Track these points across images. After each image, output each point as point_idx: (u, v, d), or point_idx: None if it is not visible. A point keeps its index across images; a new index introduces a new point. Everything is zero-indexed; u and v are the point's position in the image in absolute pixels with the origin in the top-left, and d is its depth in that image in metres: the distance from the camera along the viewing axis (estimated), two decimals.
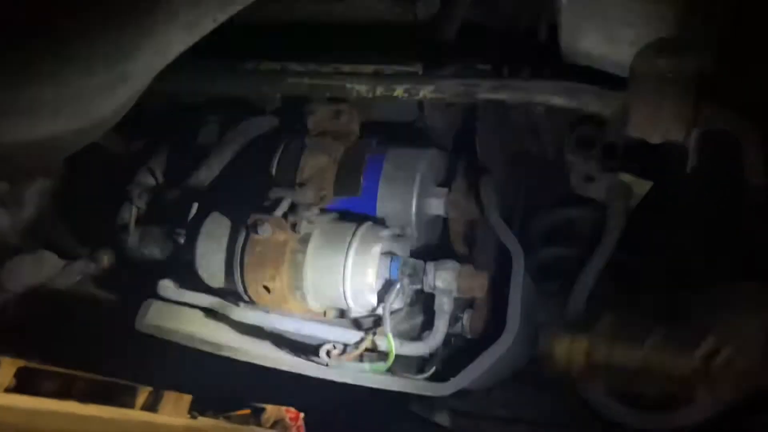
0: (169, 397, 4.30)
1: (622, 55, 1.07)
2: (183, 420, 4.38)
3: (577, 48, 1.11)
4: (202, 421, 4.62)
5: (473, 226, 1.33)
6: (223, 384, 1.63)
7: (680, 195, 1.28)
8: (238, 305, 1.25)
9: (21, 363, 3.49)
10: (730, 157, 1.13)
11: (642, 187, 1.27)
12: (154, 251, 1.34)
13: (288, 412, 5.06)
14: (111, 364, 1.67)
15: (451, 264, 1.19)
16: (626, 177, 1.25)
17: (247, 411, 4.98)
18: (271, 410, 5.05)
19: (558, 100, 1.10)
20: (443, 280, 1.17)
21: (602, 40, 1.08)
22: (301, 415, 4.58)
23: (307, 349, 1.21)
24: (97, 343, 1.51)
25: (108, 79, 0.88)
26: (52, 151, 1.00)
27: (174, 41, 0.88)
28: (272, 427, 5.07)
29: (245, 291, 1.20)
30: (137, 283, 1.33)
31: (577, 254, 1.43)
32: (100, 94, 0.90)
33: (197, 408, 4.68)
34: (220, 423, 4.78)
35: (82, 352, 1.60)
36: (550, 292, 1.41)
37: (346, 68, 1.25)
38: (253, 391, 1.71)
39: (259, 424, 5.06)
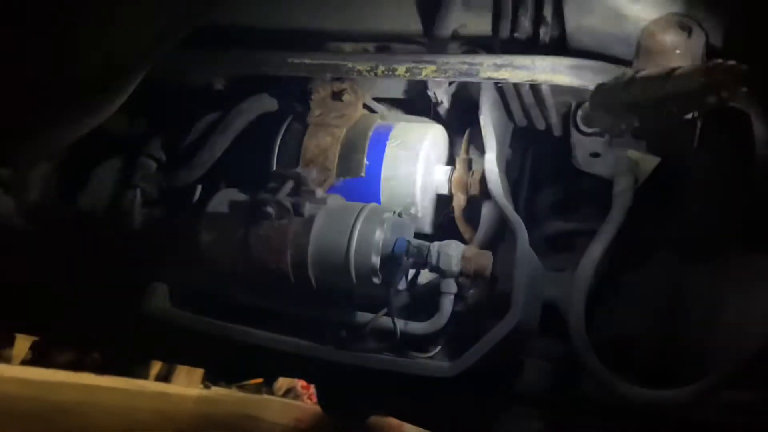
0: (183, 369, 4.40)
1: (629, 31, 1.04)
2: (196, 390, 4.48)
3: (583, 24, 1.08)
4: (215, 391, 4.72)
5: (478, 203, 1.32)
6: (231, 361, 1.65)
7: (687, 171, 1.26)
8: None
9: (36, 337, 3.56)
10: (739, 131, 1.11)
11: (649, 163, 1.25)
12: (159, 233, 1.35)
13: (300, 381, 5.15)
14: (117, 345, 1.68)
15: (455, 244, 1.19)
16: (633, 153, 1.24)
17: (259, 380, 5.08)
18: (284, 379, 5.14)
19: (562, 78, 1.08)
20: (447, 260, 1.17)
21: (608, 16, 1.05)
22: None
23: (313, 331, 1.22)
24: (104, 325, 1.52)
25: (107, 68, 0.87)
26: (57, 141, 1.00)
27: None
28: (284, 395, 5.18)
29: (250, 273, 1.20)
30: (141, 265, 1.33)
31: (583, 229, 1.42)
32: (101, 84, 0.90)
33: (210, 378, 4.78)
34: (233, 393, 4.89)
35: (90, 333, 1.61)
36: (557, 267, 1.41)
37: (348, 47, 1.23)
38: (261, 367, 1.73)
39: (271, 392, 5.17)
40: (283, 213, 1.17)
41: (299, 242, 1.16)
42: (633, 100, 1.07)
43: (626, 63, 1.06)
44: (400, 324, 1.17)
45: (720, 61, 0.98)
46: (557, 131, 1.33)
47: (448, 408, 1.47)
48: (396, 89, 1.38)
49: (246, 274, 1.20)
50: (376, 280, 1.17)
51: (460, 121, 1.37)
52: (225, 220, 1.23)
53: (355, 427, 3.95)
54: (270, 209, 1.16)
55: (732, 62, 0.98)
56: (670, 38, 1.03)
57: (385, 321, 1.19)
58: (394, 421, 5.25)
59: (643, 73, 1.10)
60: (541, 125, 1.33)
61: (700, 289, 1.34)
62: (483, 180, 1.27)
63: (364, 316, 1.21)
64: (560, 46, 1.13)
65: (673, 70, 1.04)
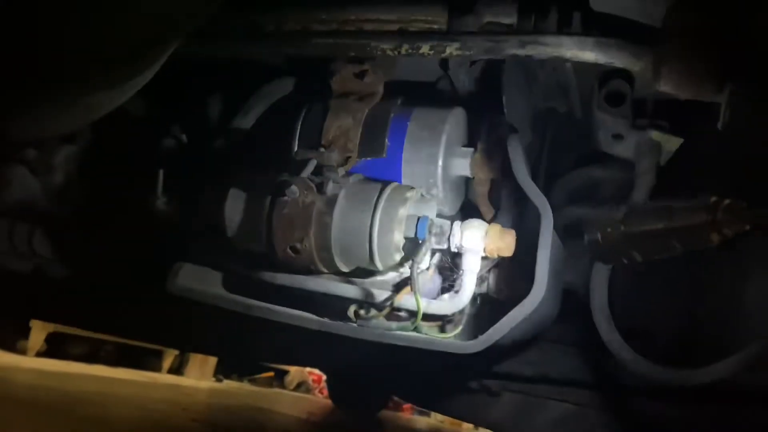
0: (195, 361, 4.43)
1: (656, 7, 1.04)
2: (208, 383, 4.51)
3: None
4: (227, 383, 4.74)
5: (498, 185, 1.32)
6: (251, 345, 1.65)
7: (712, 152, 1.26)
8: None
9: (51, 328, 3.60)
10: (765, 113, 1.11)
11: (672, 144, 1.24)
12: (182, 214, 1.35)
13: (311, 374, 5.17)
14: (140, 327, 1.69)
15: (478, 223, 1.19)
16: (656, 134, 1.23)
17: (271, 374, 5.10)
18: (295, 373, 5.17)
19: (588, 55, 1.08)
20: (470, 239, 1.17)
21: None
22: (324, 377, 4.68)
23: (335, 310, 1.23)
24: (127, 307, 1.53)
25: (132, 43, 0.88)
26: (80, 119, 1.01)
27: None
28: (295, 389, 5.20)
29: (273, 252, 1.21)
30: (166, 245, 1.34)
31: (603, 214, 1.42)
32: (124, 60, 0.90)
33: (222, 371, 4.80)
34: (245, 385, 4.91)
35: (112, 316, 1.62)
36: (577, 252, 1.40)
37: (370, 26, 1.23)
38: (281, 351, 1.73)
39: (282, 386, 5.19)
40: (307, 192, 1.17)
41: (323, 221, 1.17)
42: (632, 234, 1.12)
43: (652, 40, 1.06)
44: (423, 303, 1.17)
45: (719, 199, 1.03)
46: (579, 112, 1.33)
47: (464, 390, 1.47)
48: (418, 71, 1.38)
49: (271, 252, 1.20)
50: (398, 259, 1.17)
51: (482, 102, 1.37)
52: (248, 199, 1.24)
53: (365, 421, 3.96)
54: (294, 188, 1.16)
55: (731, 201, 1.02)
56: (696, 16, 1.02)
57: (408, 299, 1.19)
58: (404, 415, 5.26)
59: (640, 207, 1.14)
60: (562, 107, 1.33)
61: (721, 274, 1.34)
62: (505, 162, 1.27)
63: (386, 295, 1.21)
64: (585, 24, 1.13)
65: (671, 206, 1.09)
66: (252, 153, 1.38)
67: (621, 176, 1.38)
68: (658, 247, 1.12)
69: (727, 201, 1.03)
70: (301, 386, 5.12)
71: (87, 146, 1.48)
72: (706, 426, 1.33)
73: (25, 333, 3.57)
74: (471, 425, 5.50)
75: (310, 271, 1.22)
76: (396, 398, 4.25)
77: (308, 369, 5.04)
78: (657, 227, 1.09)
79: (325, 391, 4.74)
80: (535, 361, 1.48)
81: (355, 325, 1.19)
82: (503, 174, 1.29)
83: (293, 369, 5.08)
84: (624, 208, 1.18)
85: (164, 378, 4.13)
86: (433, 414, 5.49)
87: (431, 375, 1.45)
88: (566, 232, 1.43)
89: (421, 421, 5.29)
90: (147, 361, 4.22)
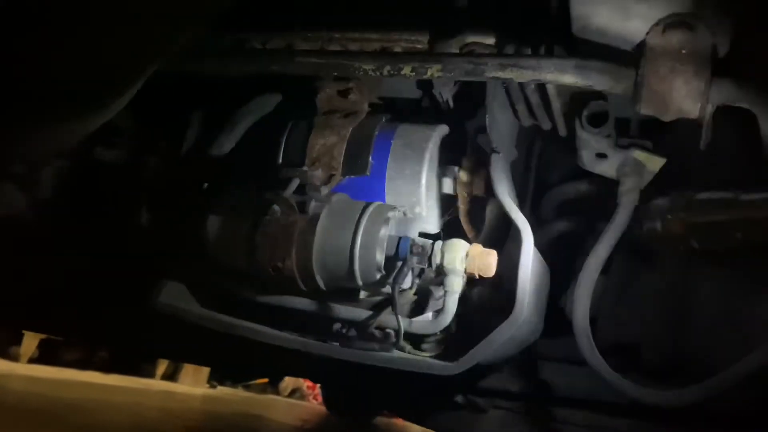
0: (189, 368, 4.41)
1: (636, 30, 1.04)
2: (202, 389, 4.50)
3: (589, 23, 1.08)
4: (221, 390, 4.73)
5: (482, 203, 1.32)
6: (237, 359, 1.65)
7: (694, 172, 1.26)
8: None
9: (44, 335, 3.58)
10: (746, 133, 1.11)
11: (655, 164, 1.24)
12: (166, 231, 1.36)
13: (305, 381, 5.15)
14: (125, 341, 1.69)
15: (460, 243, 1.19)
16: (639, 154, 1.23)
17: (265, 380, 5.09)
18: (289, 379, 5.15)
19: (568, 78, 1.08)
20: (452, 259, 1.17)
21: (615, 15, 1.05)
22: (318, 384, 4.66)
23: (316, 329, 1.23)
24: (112, 322, 1.53)
25: (118, 64, 0.88)
26: (70, 139, 1.01)
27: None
28: (290, 395, 5.19)
29: (256, 271, 1.21)
30: (149, 262, 1.34)
31: (588, 229, 1.42)
32: (111, 81, 0.91)
33: (216, 378, 4.79)
34: (239, 392, 4.90)
35: (97, 331, 1.62)
36: (561, 268, 1.40)
37: (353, 47, 1.24)
38: (267, 365, 1.73)
39: (277, 392, 5.18)
40: (289, 211, 1.17)
41: (304, 240, 1.17)
42: (694, 224, 1.09)
43: (633, 63, 1.06)
44: (405, 323, 1.17)
45: None
46: (562, 131, 1.33)
47: (451, 406, 1.47)
48: (401, 89, 1.38)
49: (252, 271, 1.20)
50: (380, 278, 1.17)
51: (466, 121, 1.37)
52: (231, 218, 1.24)
53: (360, 428, 3.96)
54: (276, 207, 1.17)
55: None
56: (677, 38, 1.03)
57: (389, 319, 1.20)
58: (399, 422, 5.25)
59: (704, 196, 1.11)
60: (546, 125, 1.33)
61: (705, 292, 1.34)
62: (488, 180, 1.27)
63: (368, 315, 1.21)
64: (566, 46, 1.13)
65: (738, 197, 1.05)
66: (236, 169, 1.38)
67: (606, 191, 1.38)
68: (718, 237, 1.09)
69: None
70: (295, 393, 5.11)
71: (74, 162, 1.48)
72: None
73: (18, 339, 3.56)
74: None
75: (293, 289, 1.22)
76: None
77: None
78: (722, 218, 1.07)
79: (320, 398, 4.73)
80: (521, 377, 1.48)
81: (337, 345, 1.19)
82: (487, 192, 1.29)
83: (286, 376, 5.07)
84: (685, 196, 1.15)
85: (158, 384, 4.13)
86: None
87: (416, 391, 1.45)
88: (554, 246, 1.43)
89: (416, 428, 5.27)
90: (141, 367, 4.21)
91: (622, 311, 1.41)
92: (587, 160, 1.29)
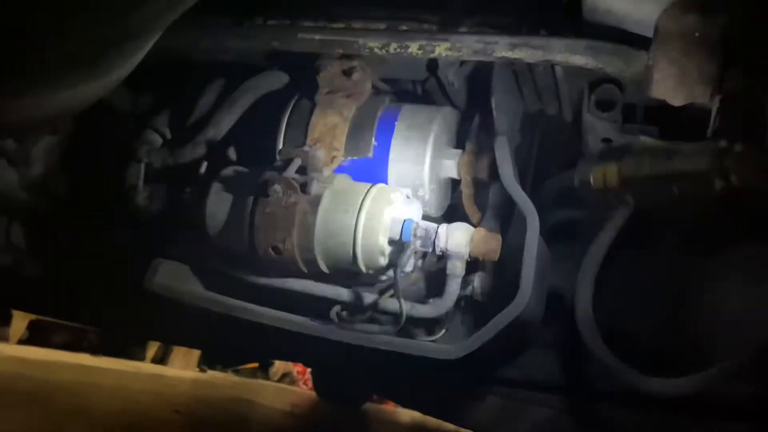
0: (179, 351, 4.39)
1: (647, 13, 1.02)
2: (192, 373, 4.48)
3: (600, 4, 1.06)
4: (211, 374, 4.72)
5: (486, 187, 1.30)
6: (232, 341, 1.64)
7: None
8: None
9: (33, 316, 3.55)
10: (754, 122, 1.10)
11: None
12: (163, 210, 1.33)
13: (296, 366, 5.15)
14: (119, 321, 1.67)
15: (464, 227, 1.17)
16: (645, 140, 1.22)
17: (255, 364, 5.08)
18: (279, 364, 5.15)
19: (578, 59, 1.06)
20: (455, 243, 1.16)
21: None
22: (309, 369, 4.66)
23: (317, 311, 1.21)
24: (107, 301, 1.51)
25: (113, 34, 0.85)
26: (61, 109, 0.98)
27: None
28: (280, 380, 5.18)
29: (255, 252, 1.19)
30: (146, 241, 1.32)
31: (590, 217, 1.41)
32: (106, 50, 0.88)
33: (206, 361, 4.77)
34: (229, 376, 4.89)
35: (92, 310, 1.59)
36: (563, 255, 1.39)
37: (358, 24, 1.21)
38: (262, 348, 1.72)
39: (267, 377, 5.17)
40: (290, 191, 1.15)
41: (306, 221, 1.15)
42: (629, 178, 1.05)
43: (644, 46, 1.04)
44: (406, 306, 1.16)
45: (730, 144, 0.96)
46: (568, 116, 1.31)
47: (450, 392, 1.46)
48: (407, 70, 1.36)
49: (253, 251, 1.18)
50: (383, 261, 1.16)
51: (471, 103, 1.35)
52: (231, 197, 1.22)
53: (349, 414, 3.96)
54: (277, 187, 1.14)
55: (743, 146, 0.95)
56: (690, 21, 1.01)
57: (391, 302, 1.18)
58: (388, 408, 5.27)
59: (638, 147, 1.07)
60: (552, 110, 1.32)
61: (704, 280, 1.34)
62: (492, 164, 1.25)
63: (369, 298, 1.19)
64: (577, 28, 1.11)
65: (675, 148, 1.02)
66: (236, 148, 1.36)
67: None
68: (655, 193, 1.04)
69: (738, 146, 0.95)
70: (285, 378, 5.10)
71: (68, 138, 1.45)
72: None
73: (7, 320, 3.53)
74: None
75: (293, 271, 1.20)
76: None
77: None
78: (657, 171, 1.02)
79: (310, 383, 4.73)
80: (520, 365, 1.47)
81: (337, 327, 1.17)
82: (491, 176, 1.27)
83: (277, 360, 5.06)
84: (619, 147, 1.11)
85: (148, 368, 4.10)
86: None
87: (413, 376, 1.44)
88: (553, 234, 1.42)
89: (405, 414, 5.29)
90: (130, 350, 4.19)
91: (622, 299, 1.41)
92: (592, 145, 1.28)
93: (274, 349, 1.70)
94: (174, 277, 1.29)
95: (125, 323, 1.70)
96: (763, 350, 1.12)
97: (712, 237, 1.31)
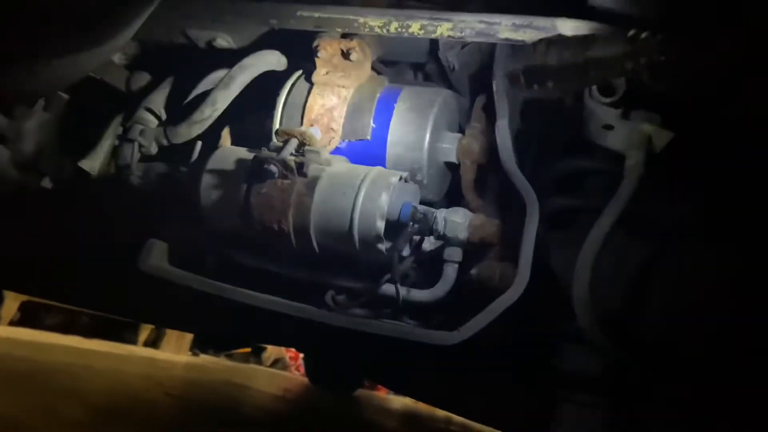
0: (171, 335, 4.38)
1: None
2: (184, 357, 4.47)
3: None
4: (204, 358, 4.71)
5: (484, 173, 1.28)
6: (225, 324, 1.62)
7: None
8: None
9: (25, 297, 3.53)
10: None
11: (663, 138, 1.21)
12: (157, 189, 1.31)
13: (288, 352, 5.15)
14: (112, 302, 1.65)
15: (462, 212, 1.16)
16: (647, 127, 1.20)
17: (247, 349, 5.08)
18: (272, 349, 5.15)
19: None
20: (454, 227, 1.14)
21: None
22: (301, 354, 4.67)
23: (312, 295, 1.19)
24: (98, 282, 1.49)
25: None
26: (57, 78, 0.96)
27: None
28: (272, 365, 5.18)
29: (249, 233, 1.17)
30: (140, 221, 1.29)
31: (589, 205, 1.39)
32: (102, 18, 0.86)
33: (199, 346, 4.77)
34: (221, 361, 4.89)
35: (85, 290, 1.57)
36: (562, 242, 1.38)
37: (358, 2, 1.18)
38: (256, 332, 1.70)
39: (259, 362, 5.18)
40: (287, 172, 1.13)
41: (302, 202, 1.13)
42: (551, 66, 1.09)
43: (651, 26, 1.02)
44: (402, 291, 1.14)
45: (638, 31, 1.01)
46: (569, 101, 1.29)
47: (447, 378, 1.45)
48: (407, 52, 1.33)
49: (246, 233, 1.16)
50: (380, 245, 1.14)
51: (471, 87, 1.33)
52: (226, 176, 1.19)
53: (341, 400, 3.97)
54: (273, 167, 1.12)
55: (648, 33, 1.01)
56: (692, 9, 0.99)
57: (388, 287, 1.16)
58: (380, 395, 5.28)
59: (563, 35, 1.11)
60: (553, 94, 1.29)
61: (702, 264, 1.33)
62: (492, 149, 1.24)
63: (365, 283, 1.18)
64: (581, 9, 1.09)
65: (592, 36, 1.07)
66: (232, 128, 1.33)
67: (608, 168, 1.35)
68: (574, 78, 1.11)
69: (645, 32, 1.03)
70: (277, 363, 5.10)
71: (61, 115, 1.42)
72: None
73: None
74: None
75: (287, 254, 1.18)
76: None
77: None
78: (577, 59, 1.08)
79: (302, 369, 4.73)
80: (514, 352, 1.46)
81: (332, 312, 1.16)
82: (490, 162, 1.25)
83: (270, 346, 5.06)
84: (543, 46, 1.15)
85: (140, 351, 4.09)
86: None
87: (409, 362, 1.43)
88: (551, 221, 1.40)
89: (397, 401, 5.31)
90: (123, 333, 4.17)
91: (618, 284, 1.40)
92: (593, 131, 1.26)
93: (270, 333, 1.68)
94: (167, 259, 1.26)
95: (118, 304, 1.68)
96: None
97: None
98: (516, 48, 1.15)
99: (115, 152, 1.37)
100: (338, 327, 1.16)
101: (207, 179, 1.20)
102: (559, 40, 1.11)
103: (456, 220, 1.14)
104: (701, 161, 1.25)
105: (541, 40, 1.11)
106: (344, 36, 1.24)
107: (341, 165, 1.18)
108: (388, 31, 1.11)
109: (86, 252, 1.43)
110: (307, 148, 1.17)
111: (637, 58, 1.03)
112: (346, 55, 1.25)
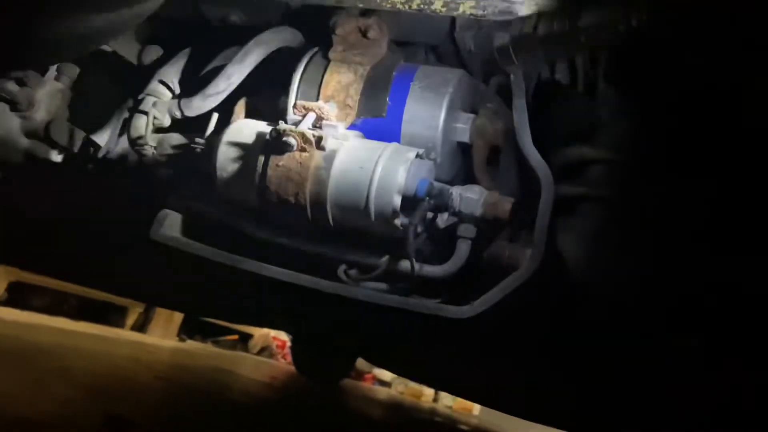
0: (159, 319, 4.38)
1: None
2: (171, 342, 4.46)
3: None
4: (190, 344, 4.70)
5: (497, 152, 1.30)
6: (234, 299, 1.62)
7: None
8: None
9: (13, 277, 3.50)
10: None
11: None
12: (172, 161, 1.31)
13: (275, 340, 5.16)
14: (122, 278, 1.64)
15: (478, 189, 1.17)
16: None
17: (235, 336, 5.07)
18: (258, 337, 5.15)
19: None
20: (468, 204, 1.16)
21: None
22: (288, 342, 4.67)
23: (326, 268, 1.20)
24: (109, 256, 1.48)
25: None
26: (93, 32, 0.95)
27: None
28: (259, 353, 5.18)
29: (265, 205, 1.18)
30: (153, 193, 1.29)
31: (590, 193, 1.41)
32: None
33: (186, 331, 4.75)
34: (208, 347, 4.88)
35: (93, 265, 1.56)
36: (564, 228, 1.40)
37: None
38: (270, 307, 1.69)
39: (246, 349, 5.17)
40: (306, 145, 1.14)
41: (320, 176, 1.14)
42: (545, 36, 1.10)
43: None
44: (416, 266, 1.15)
45: None
46: (581, 86, 1.31)
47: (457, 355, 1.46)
48: (423, 32, 1.34)
49: (262, 205, 1.17)
50: (396, 221, 1.15)
51: (485, 69, 1.34)
52: (243, 148, 1.20)
53: (327, 389, 3.98)
54: (292, 140, 1.13)
55: None
56: None
57: (400, 263, 1.18)
58: (365, 385, 5.30)
59: (550, 9, 1.12)
60: (566, 78, 1.31)
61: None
62: (505, 130, 1.25)
63: (380, 257, 1.19)
64: None
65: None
66: (247, 102, 1.33)
67: (613, 157, 1.37)
68: (563, 43, 1.12)
69: None
70: (264, 351, 5.10)
71: (73, 85, 1.41)
72: None
73: None
74: (430, 397, 5.58)
75: (303, 227, 1.19)
76: (370, 364, 4.27)
77: (272, 334, 5.03)
78: (570, 28, 1.08)
79: (289, 357, 4.74)
80: (522, 331, 1.47)
81: (346, 285, 1.17)
82: (503, 143, 1.27)
83: (257, 333, 5.06)
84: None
85: (127, 334, 4.07)
86: (393, 385, 5.55)
87: (416, 342, 1.44)
88: (554, 208, 1.42)
89: (382, 391, 5.34)
90: (110, 317, 4.15)
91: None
92: (605, 117, 1.27)
93: (284, 308, 1.66)
94: (180, 230, 1.27)
95: (128, 279, 1.66)
96: None
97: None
98: (504, 22, 1.15)
99: (126, 124, 1.36)
100: (351, 300, 1.17)
101: (223, 151, 1.20)
102: (549, 11, 1.11)
103: (471, 197, 1.15)
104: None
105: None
106: (362, 14, 1.25)
107: (359, 140, 1.19)
108: (410, 7, 1.12)
109: (97, 224, 1.42)
110: (325, 122, 1.18)
111: (628, 19, 1.03)
112: (363, 33, 1.26)
